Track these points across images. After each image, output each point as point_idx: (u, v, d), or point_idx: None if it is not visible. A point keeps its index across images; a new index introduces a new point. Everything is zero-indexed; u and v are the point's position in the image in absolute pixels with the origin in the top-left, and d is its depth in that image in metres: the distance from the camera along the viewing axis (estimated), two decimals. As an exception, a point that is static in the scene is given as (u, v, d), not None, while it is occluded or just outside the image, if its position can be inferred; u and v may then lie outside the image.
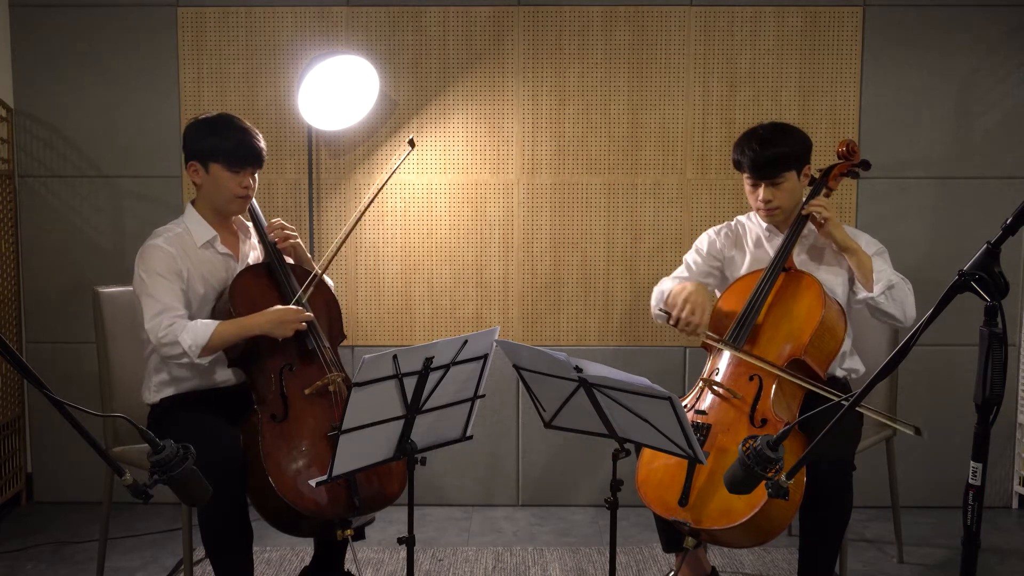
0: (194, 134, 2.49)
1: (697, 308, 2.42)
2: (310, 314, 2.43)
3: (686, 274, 2.73)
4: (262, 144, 2.50)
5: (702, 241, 2.75)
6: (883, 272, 2.44)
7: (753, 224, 2.70)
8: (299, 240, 2.63)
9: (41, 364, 3.49)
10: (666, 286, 2.65)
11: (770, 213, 2.54)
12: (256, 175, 2.53)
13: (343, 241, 2.74)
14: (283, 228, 2.59)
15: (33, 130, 3.50)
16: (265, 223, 2.61)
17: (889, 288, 2.41)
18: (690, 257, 2.75)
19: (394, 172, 2.79)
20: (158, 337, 2.34)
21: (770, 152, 2.48)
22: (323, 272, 2.57)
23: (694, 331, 2.43)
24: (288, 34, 3.46)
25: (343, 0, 3.45)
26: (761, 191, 2.51)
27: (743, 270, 2.67)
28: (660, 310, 2.54)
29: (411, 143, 2.69)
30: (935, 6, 3.43)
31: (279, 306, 2.42)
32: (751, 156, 2.50)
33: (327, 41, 3.45)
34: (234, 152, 2.45)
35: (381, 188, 2.72)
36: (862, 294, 2.45)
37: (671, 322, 2.46)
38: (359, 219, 2.75)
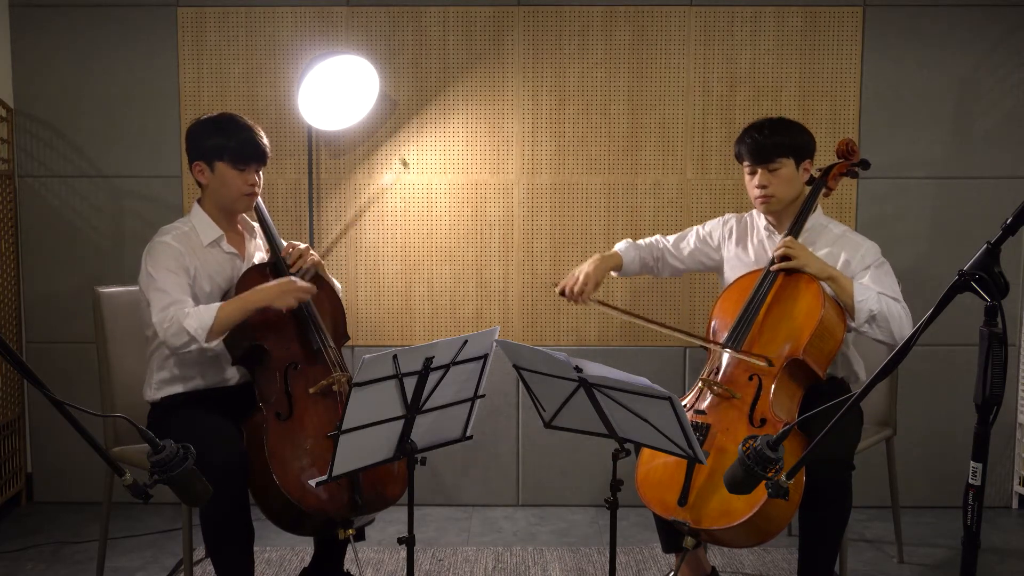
0: (198, 134, 2.49)
1: (582, 278, 2.60)
2: (312, 286, 2.44)
3: (671, 241, 2.81)
4: (266, 141, 2.51)
5: (707, 226, 2.80)
6: (866, 300, 2.35)
7: (759, 221, 2.70)
8: (316, 257, 2.60)
9: (41, 364, 3.49)
10: (616, 247, 2.78)
11: (765, 200, 2.54)
12: (261, 172, 2.53)
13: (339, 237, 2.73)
14: (295, 248, 2.56)
15: (33, 130, 3.50)
16: (273, 226, 2.62)
17: (871, 319, 2.36)
18: (692, 232, 2.81)
19: (383, 190, 2.76)
20: (165, 330, 2.33)
21: (770, 139, 2.51)
22: (318, 266, 2.58)
23: (575, 299, 2.59)
24: (288, 34, 3.46)
25: (343, 0, 3.45)
26: (757, 177, 2.53)
27: (743, 266, 2.68)
28: (552, 284, 2.74)
29: (404, 163, 2.71)
30: (935, 6, 3.43)
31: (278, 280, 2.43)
32: (750, 142, 2.53)
33: (327, 41, 3.45)
34: (239, 150, 2.45)
35: (362, 211, 2.70)
36: (847, 321, 2.43)
37: (558, 290, 2.64)
38: (345, 229, 2.75)
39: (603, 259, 2.67)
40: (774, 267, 2.46)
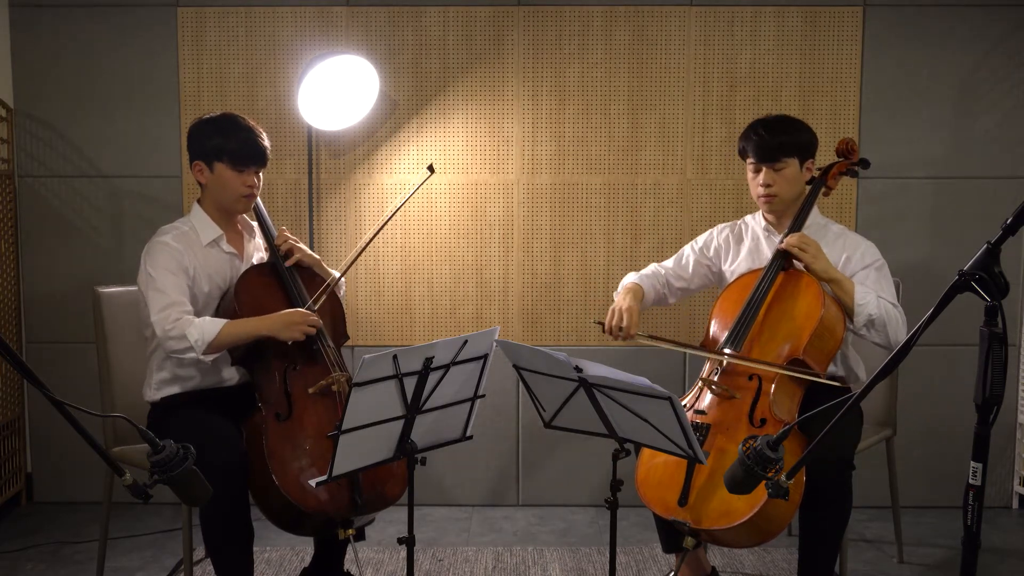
0: (198, 134, 2.49)
1: (625, 315, 2.51)
2: (319, 319, 2.43)
3: (670, 264, 2.78)
4: (266, 142, 2.51)
5: (702, 237, 2.80)
6: (865, 305, 2.36)
7: (754, 223, 2.71)
8: (304, 251, 2.60)
9: (41, 364, 3.49)
10: (627, 280, 2.72)
11: (768, 200, 2.55)
12: (261, 173, 2.53)
13: (357, 256, 2.72)
14: (286, 240, 2.58)
15: (33, 130, 3.50)
16: (272, 225, 2.61)
17: (869, 323, 2.37)
18: (687, 248, 2.80)
19: (411, 195, 2.76)
20: (165, 330, 2.33)
21: (775, 138, 2.51)
22: (335, 284, 2.58)
23: (626, 336, 2.51)
24: (288, 34, 3.46)
25: (343, 0, 3.45)
26: (762, 175, 2.53)
27: (740, 268, 2.68)
28: (595, 321, 2.65)
29: (430, 168, 2.71)
30: (935, 6, 3.43)
31: (288, 309, 2.42)
32: (756, 140, 2.53)
33: (327, 41, 3.45)
34: (239, 151, 2.45)
35: (396, 211, 2.71)
36: (846, 323, 2.44)
37: (604, 331, 2.55)
38: (373, 237, 2.76)
39: (632, 291, 2.61)
40: (782, 246, 2.46)
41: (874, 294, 2.40)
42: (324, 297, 2.51)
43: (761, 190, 2.54)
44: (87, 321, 2.93)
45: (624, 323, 2.51)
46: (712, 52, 3.46)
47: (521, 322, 3.57)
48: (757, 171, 2.55)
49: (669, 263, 2.79)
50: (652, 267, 2.79)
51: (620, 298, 2.59)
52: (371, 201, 3.51)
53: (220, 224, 2.54)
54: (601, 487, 3.49)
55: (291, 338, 2.38)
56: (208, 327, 2.33)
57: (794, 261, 2.47)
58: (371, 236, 2.77)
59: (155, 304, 2.36)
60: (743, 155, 2.60)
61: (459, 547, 3.19)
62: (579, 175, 3.52)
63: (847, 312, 2.40)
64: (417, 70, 3.48)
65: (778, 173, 2.52)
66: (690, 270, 2.76)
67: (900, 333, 2.40)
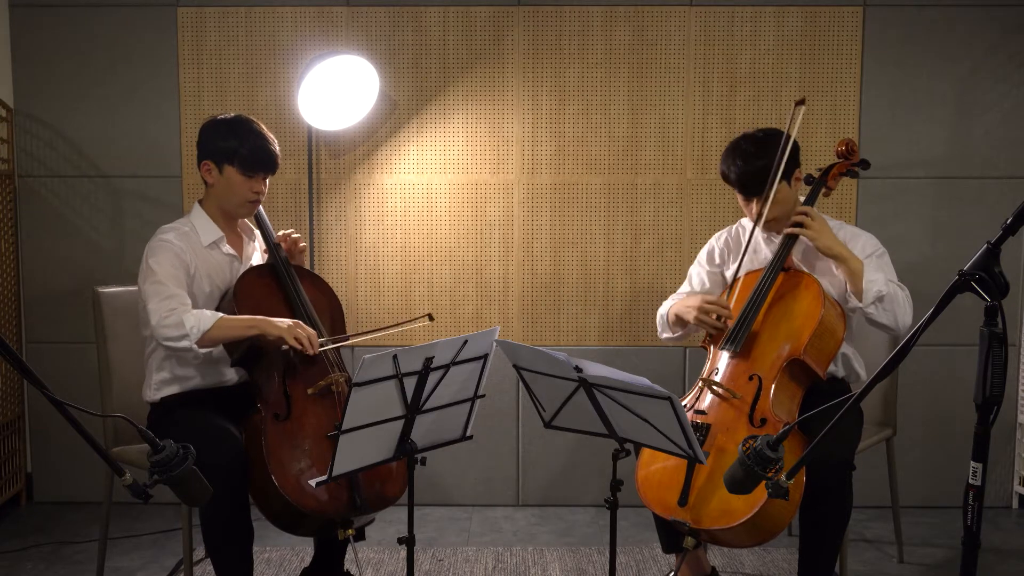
0: (212, 134, 2.49)
1: (713, 303, 2.48)
2: (313, 332, 2.37)
3: (687, 288, 2.77)
4: (278, 150, 2.51)
5: (703, 251, 2.79)
6: (875, 281, 2.36)
7: (749, 226, 2.70)
8: (303, 260, 2.68)
9: (41, 364, 3.49)
10: (664, 310, 2.72)
11: (766, 225, 2.54)
12: (267, 180, 2.53)
13: (352, 338, 2.70)
14: (288, 236, 2.63)
15: (33, 130, 3.50)
16: (272, 230, 2.62)
17: (878, 299, 2.36)
18: (693, 270, 2.79)
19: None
20: (160, 317, 2.31)
21: (753, 167, 2.44)
22: (352, 340, 2.61)
23: (728, 319, 2.46)
24: (288, 34, 3.46)
25: (343, 0, 3.45)
26: (754, 206, 2.50)
27: (741, 271, 2.67)
28: (668, 316, 2.65)
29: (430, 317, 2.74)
30: (935, 6, 3.43)
31: (288, 313, 2.44)
32: (736, 172, 2.48)
33: (327, 41, 3.45)
34: (251, 157, 2.45)
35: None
36: (853, 303, 2.42)
37: (712, 327, 2.49)
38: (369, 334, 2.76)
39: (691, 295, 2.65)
40: (787, 230, 2.45)
41: (883, 274, 2.41)
42: (312, 289, 2.57)
43: (756, 218, 2.50)
44: (87, 321, 2.93)
45: (723, 310, 2.45)
46: (712, 52, 3.46)
47: (521, 322, 3.57)
48: (747, 200, 2.53)
49: (685, 288, 2.77)
50: (673, 297, 2.76)
51: (687, 299, 2.61)
52: (371, 201, 3.51)
53: (220, 225, 2.54)
54: (601, 487, 3.49)
55: (281, 336, 2.33)
56: (206, 317, 2.33)
57: (799, 239, 2.47)
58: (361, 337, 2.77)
59: (154, 295, 2.35)
60: (727, 181, 2.54)
61: (459, 547, 3.19)
62: (579, 175, 3.52)
63: (855, 291, 2.39)
64: (417, 70, 3.48)
65: (768, 200, 2.47)
66: (707, 284, 2.74)
67: (907, 314, 2.40)
